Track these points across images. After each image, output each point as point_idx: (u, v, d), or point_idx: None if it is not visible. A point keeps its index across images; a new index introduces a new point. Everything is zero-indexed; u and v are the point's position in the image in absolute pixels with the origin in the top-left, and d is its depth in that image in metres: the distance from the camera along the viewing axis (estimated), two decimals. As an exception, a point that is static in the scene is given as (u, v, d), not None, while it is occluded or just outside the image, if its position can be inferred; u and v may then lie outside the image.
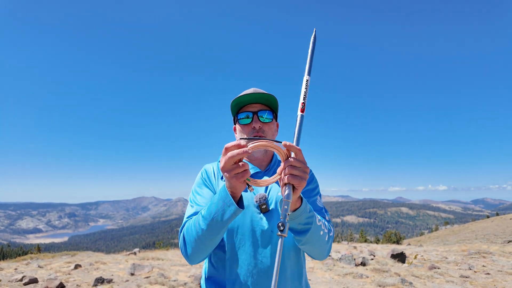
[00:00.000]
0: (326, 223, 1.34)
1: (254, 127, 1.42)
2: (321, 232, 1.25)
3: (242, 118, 1.45)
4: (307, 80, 1.22)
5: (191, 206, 1.39)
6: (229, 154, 1.01)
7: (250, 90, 1.46)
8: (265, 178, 1.12)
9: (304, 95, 1.20)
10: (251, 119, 1.44)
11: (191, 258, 1.26)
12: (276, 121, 1.54)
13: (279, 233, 0.98)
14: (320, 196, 1.54)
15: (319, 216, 1.28)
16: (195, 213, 1.33)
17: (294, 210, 1.15)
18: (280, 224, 0.98)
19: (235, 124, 1.54)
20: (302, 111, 1.18)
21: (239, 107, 1.48)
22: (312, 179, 1.55)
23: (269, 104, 1.47)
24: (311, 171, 1.58)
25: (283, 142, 1.03)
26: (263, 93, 1.42)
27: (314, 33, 1.28)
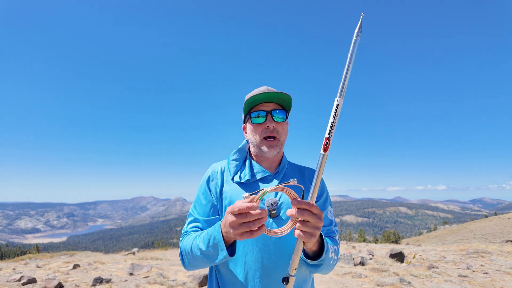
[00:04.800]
0: (336, 247, 1.32)
1: (268, 126, 1.37)
2: (331, 262, 1.25)
3: (255, 117, 1.39)
4: (337, 105, 0.96)
5: (192, 212, 1.42)
6: (239, 212, 0.96)
7: (262, 89, 1.40)
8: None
9: (331, 127, 0.96)
10: (264, 118, 1.38)
11: (188, 269, 1.33)
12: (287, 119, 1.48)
13: (285, 285, 1.00)
14: (331, 205, 1.48)
15: (331, 245, 1.25)
16: (194, 221, 1.39)
17: (311, 254, 1.18)
18: (284, 278, 1.00)
19: (245, 123, 1.48)
20: (325, 149, 0.96)
21: (252, 106, 1.41)
22: (323, 189, 1.49)
23: (283, 104, 1.41)
24: (322, 179, 1.50)
25: (293, 201, 0.97)
26: (278, 92, 1.35)
27: (359, 25, 0.99)
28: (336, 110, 0.94)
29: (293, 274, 0.99)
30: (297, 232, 0.98)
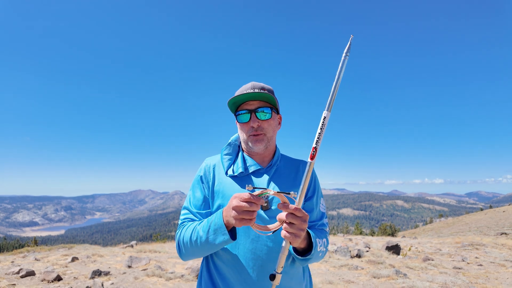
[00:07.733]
0: (325, 240, 1.36)
1: (252, 126, 1.37)
2: (319, 254, 1.30)
3: (241, 115, 1.39)
4: (324, 118, 1.02)
5: (186, 205, 1.44)
6: (245, 200, 1.04)
7: (249, 85, 1.40)
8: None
9: (318, 138, 1.02)
10: (248, 117, 1.38)
11: (184, 259, 1.36)
12: (278, 113, 1.48)
13: (272, 281, 1.06)
14: (322, 197, 1.51)
15: (319, 239, 1.30)
16: (188, 213, 1.42)
17: (300, 250, 1.25)
18: (271, 275, 1.07)
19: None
20: (312, 157, 1.02)
21: (237, 105, 1.42)
22: (315, 184, 1.50)
23: (268, 100, 1.40)
24: (313, 172, 1.53)
25: (280, 206, 1.04)
26: (260, 92, 1.35)
27: (348, 46, 1.04)
28: (323, 122, 1.00)
29: (279, 272, 1.06)
30: (283, 233, 1.05)
